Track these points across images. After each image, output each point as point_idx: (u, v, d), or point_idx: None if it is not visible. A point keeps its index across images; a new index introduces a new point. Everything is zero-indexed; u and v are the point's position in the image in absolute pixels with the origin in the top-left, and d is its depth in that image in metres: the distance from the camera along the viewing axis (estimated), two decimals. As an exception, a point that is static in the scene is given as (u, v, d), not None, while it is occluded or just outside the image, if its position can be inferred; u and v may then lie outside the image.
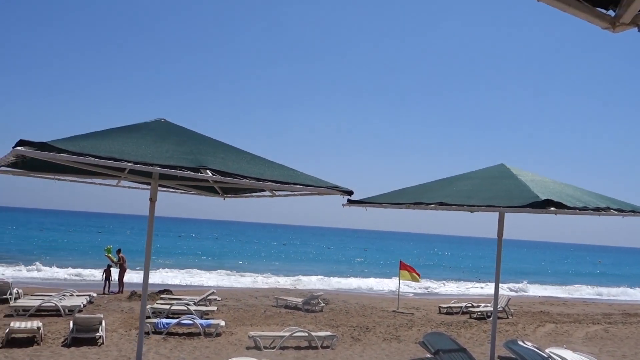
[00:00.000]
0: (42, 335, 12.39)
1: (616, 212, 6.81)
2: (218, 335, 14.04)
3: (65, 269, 31.66)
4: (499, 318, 19.03)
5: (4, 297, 18.04)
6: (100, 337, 12.35)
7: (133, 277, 26.00)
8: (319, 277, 37.94)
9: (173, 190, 7.84)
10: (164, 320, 14.07)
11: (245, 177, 5.19)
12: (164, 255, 51.36)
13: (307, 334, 12.63)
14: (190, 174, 4.89)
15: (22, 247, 51.44)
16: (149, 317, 16.08)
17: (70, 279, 28.72)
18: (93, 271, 30.25)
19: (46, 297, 17.33)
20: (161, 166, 4.81)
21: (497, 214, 8.53)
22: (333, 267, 50.59)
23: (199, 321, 14.11)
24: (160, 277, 31.74)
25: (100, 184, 7.33)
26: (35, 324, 12.32)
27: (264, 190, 7.19)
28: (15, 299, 18.30)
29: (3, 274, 26.68)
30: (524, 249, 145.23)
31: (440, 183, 7.84)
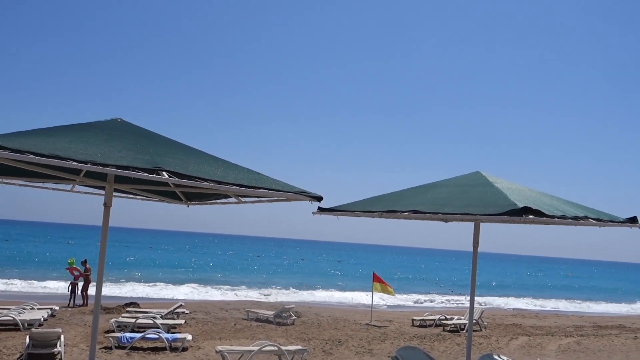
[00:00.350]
0: (-5, 351, 11.71)
1: (594, 222, 6.60)
2: (184, 349, 13.50)
3: (28, 281, 30.56)
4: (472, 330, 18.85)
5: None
6: (58, 352, 11.70)
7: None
8: (292, 289, 37.47)
9: (133, 196, 7.40)
10: (128, 335, 13.46)
11: (206, 180, 4.81)
12: (133, 268, 50.24)
13: (276, 349, 12.18)
14: (145, 175, 4.49)
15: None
16: (112, 331, 15.45)
17: (33, 292, 27.63)
18: (58, 283, 29.29)
19: (4, 311, 16.52)
20: (115, 167, 4.40)
21: (472, 224, 8.29)
22: (306, 279, 50.07)
23: (164, 335, 13.54)
24: (128, 289, 30.90)
25: (53, 189, 6.85)
26: (-12, 339, 11.63)
27: (229, 197, 6.83)
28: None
29: None
30: (495, 262, 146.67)
31: (414, 191, 7.55)
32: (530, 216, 5.66)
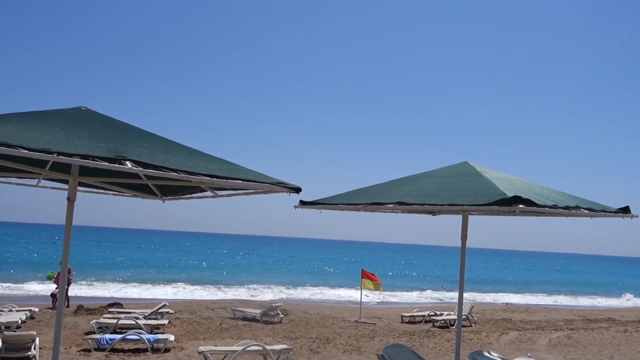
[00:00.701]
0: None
1: (586, 212, 6.33)
2: (167, 350, 13.11)
3: (9, 283, 29.96)
4: (462, 326, 18.65)
5: None
6: (33, 356, 11.27)
7: (82, 290, 24.68)
8: (280, 287, 37.15)
9: (104, 191, 7.01)
10: (108, 336, 13.05)
11: (174, 170, 4.45)
12: (118, 267, 49.61)
13: (261, 348, 11.84)
14: (106, 164, 4.12)
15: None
16: (93, 333, 15.03)
17: (14, 294, 27.04)
18: (41, 285, 28.71)
19: (-19, 314, 16.04)
20: (79, 157, 4.03)
21: (460, 217, 8.01)
22: (295, 276, 49.75)
23: (146, 336, 13.14)
24: (112, 290, 30.40)
25: (17, 184, 6.45)
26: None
27: (205, 190, 6.48)
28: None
29: None
30: (484, 257, 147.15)
31: (399, 182, 7.23)
32: (520, 206, 5.36)
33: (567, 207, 6.07)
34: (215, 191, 6.29)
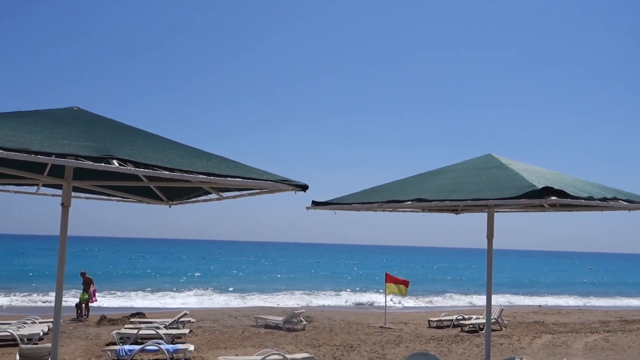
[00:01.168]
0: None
1: (625, 203, 5.76)
2: (187, 361, 12.77)
3: (30, 295, 30.13)
4: (492, 330, 17.93)
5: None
6: (49, 369, 11.02)
7: (105, 301, 24.60)
8: (304, 293, 36.72)
9: (106, 197, 6.69)
10: (127, 347, 12.75)
11: (167, 169, 4.07)
12: (141, 277, 49.76)
13: (281, 357, 11.41)
14: (89, 164, 3.76)
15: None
16: (114, 344, 14.79)
17: (36, 306, 27.06)
18: (66, 296, 28.68)
19: (4, 326, 15.93)
20: (74, 157, 3.67)
21: (485, 214, 7.48)
22: (319, 282, 49.27)
23: (165, 346, 12.81)
24: (135, 299, 30.33)
25: (15, 192, 6.15)
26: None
27: (210, 193, 6.10)
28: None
29: None
30: (509, 258, 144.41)
31: (418, 178, 6.75)
32: (553, 198, 4.84)
33: (604, 199, 5.52)
34: (220, 193, 5.92)
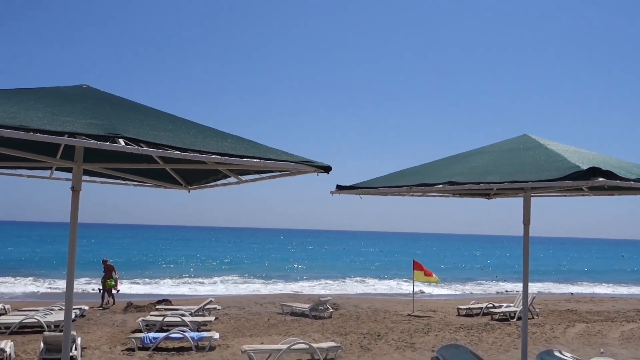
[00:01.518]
0: (10, 357, 11.07)
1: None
2: (212, 349, 12.61)
3: (60, 281, 30.53)
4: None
5: (-13, 314, 16.85)
6: (74, 357, 10.97)
7: (133, 287, 24.73)
8: (330, 280, 36.53)
9: (122, 182, 6.45)
10: (151, 335, 12.67)
11: (178, 149, 3.76)
12: (169, 264, 50.21)
13: (307, 346, 11.16)
14: (93, 143, 3.47)
15: (21, 259, 50.61)
16: (139, 331, 14.76)
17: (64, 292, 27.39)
18: (88, 284, 29.01)
19: (31, 312, 16.05)
20: (49, 132, 3.39)
21: (519, 200, 7.05)
22: (346, 270, 49.04)
23: (189, 334, 12.70)
24: (163, 286, 30.52)
25: (28, 177, 5.95)
26: (3, 343, 11.00)
27: (228, 177, 5.80)
28: (1, 314, 17.09)
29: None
30: (540, 245, 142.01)
31: (450, 160, 6.35)
32: (600, 179, 4.41)
33: (654, 181, 5.04)
34: (239, 176, 5.62)
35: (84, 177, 6.18)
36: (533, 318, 18.82)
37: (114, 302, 20.60)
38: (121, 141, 3.60)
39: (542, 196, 7.55)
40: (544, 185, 4.70)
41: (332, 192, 6.37)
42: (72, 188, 4.82)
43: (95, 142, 3.49)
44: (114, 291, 20.91)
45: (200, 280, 34.47)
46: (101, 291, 20.63)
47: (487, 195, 7.83)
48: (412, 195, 7.14)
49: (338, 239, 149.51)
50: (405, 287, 32.12)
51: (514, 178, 5.01)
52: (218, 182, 6.12)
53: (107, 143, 3.53)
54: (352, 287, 33.22)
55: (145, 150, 3.64)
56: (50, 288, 28.88)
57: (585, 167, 4.63)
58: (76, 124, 3.65)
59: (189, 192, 6.76)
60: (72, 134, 3.48)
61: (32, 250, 63.40)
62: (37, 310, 16.66)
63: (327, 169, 4.37)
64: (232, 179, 5.77)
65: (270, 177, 5.17)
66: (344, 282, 35.91)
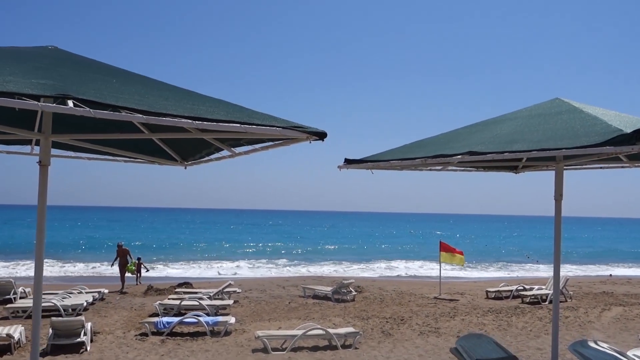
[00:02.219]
0: (20, 342, 10.82)
1: None
2: (227, 334, 12.20)
3: (84, 264, 30.71)
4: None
5: (8, 297, 16.78)
6: (83, 342, 10.66)
7: (155, 270, 24.58)
8: (355, 262, 36.00)
9: (112, 157, 5.92)
10: (165, 319, 12.31)
11: (139, 112, 3.17)
12: (194, 245, 50.30)
13: (324, 332, 10.64)
14: (33, 103, 2.90)
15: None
16: (157, 315, 14.47)
17: (88, 275, 27.43)
18: (107, 267, 29.04)
19: (49, 296, 15.91)
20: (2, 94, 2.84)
21: (552, 173, 6.32)
22: (373, 252, 48.44)
23: (204, 319, 12.30)
24: (187, 269, 30.41)
25: (8, 152, 5.45)
26: (12, 329, 10.75)
27: (221, 150, 5.22)
28: (22, 298, 17.03)
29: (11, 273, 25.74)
30: (570, 225, 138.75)
31: (470, 129, 5.64)
32: (649, 143, 3.68)
33: None
34: (232, 149, 5.03)
35: (66, 152, 5.69)
36: (566, 301, 17.97)
37: (137, 283, 20.54)
38: (70, 102, 3.04)
39: (575, 168, 6.80)
40: (580, 152, 3.98)
41: (339, 167, 5.75)
42: (40, 162, 4.30)
43: (36, 103, 2.93)
44: (139, 273, 21.06)
45: (224, 262, 34.29)
46: (121, 275, 20.47)
47: (514, 168, 7.10)
48: (430, 170, 6.47)
49: (367, 221, 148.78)
50: (434, 269, 31.39)
51: (544, 146, 4.31)
52: (212, 157, 5.56)
53: (52, 104, 2.97)
54: (378, 269, 32.63)
55: (98, 113, 3.06)
56: (68, 272, 28.98)
57: (629, 131, 3.91)
58: (19, 84, 3.10)
59: (185, 168, 6.23)
60: (9, 94, 2.92)
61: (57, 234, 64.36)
62: (56, 293, 16.53)
63: (321, 135, 3.73)
64: (225, 152, 5.19)
65: (263, 148, 4.56)
66: (369, 264, 35.33)
